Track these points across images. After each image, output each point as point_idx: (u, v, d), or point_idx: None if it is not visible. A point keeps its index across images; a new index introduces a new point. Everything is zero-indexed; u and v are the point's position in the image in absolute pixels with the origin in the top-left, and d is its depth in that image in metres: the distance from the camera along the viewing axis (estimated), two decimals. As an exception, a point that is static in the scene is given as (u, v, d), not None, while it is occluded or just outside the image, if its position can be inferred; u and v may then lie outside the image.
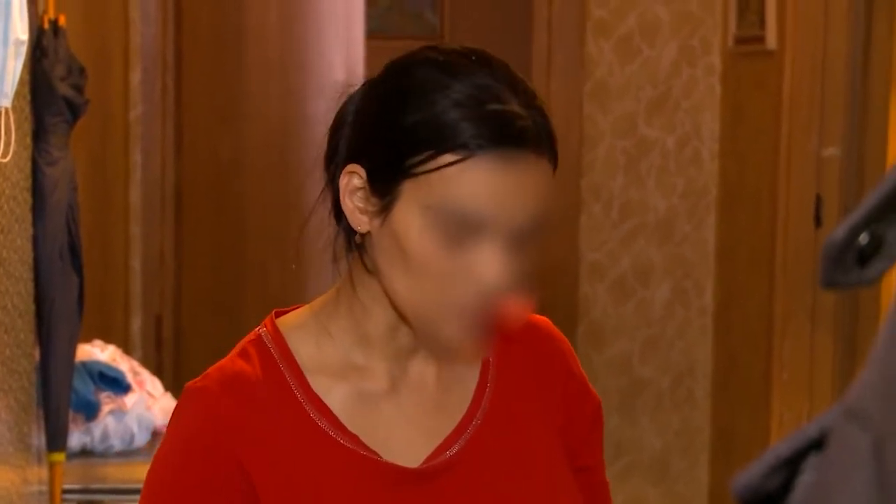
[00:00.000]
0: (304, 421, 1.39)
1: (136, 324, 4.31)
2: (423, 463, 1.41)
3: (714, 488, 4.38)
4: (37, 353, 3.02)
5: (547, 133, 1.33)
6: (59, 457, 3.04)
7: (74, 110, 3.07)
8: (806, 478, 0.60)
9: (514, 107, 1.31)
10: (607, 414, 4.40)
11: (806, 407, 3.71)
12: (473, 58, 1.34)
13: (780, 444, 0.60)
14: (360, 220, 1.36)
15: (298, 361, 1.41)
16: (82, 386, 3.22)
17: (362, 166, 1.35)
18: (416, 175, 1.30)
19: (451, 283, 1.32)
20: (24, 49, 2.60)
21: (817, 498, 0.58)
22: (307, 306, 1.46)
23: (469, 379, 1.47)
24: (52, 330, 2.99)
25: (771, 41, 3.84)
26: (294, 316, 1.45)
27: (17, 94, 2.73)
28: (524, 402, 1.49)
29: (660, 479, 4.41)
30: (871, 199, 0.61)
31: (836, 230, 0.61)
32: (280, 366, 1.40)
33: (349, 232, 1.39)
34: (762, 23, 3.89)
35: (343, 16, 4.93)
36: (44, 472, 3.05)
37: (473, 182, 1.29)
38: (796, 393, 3.73)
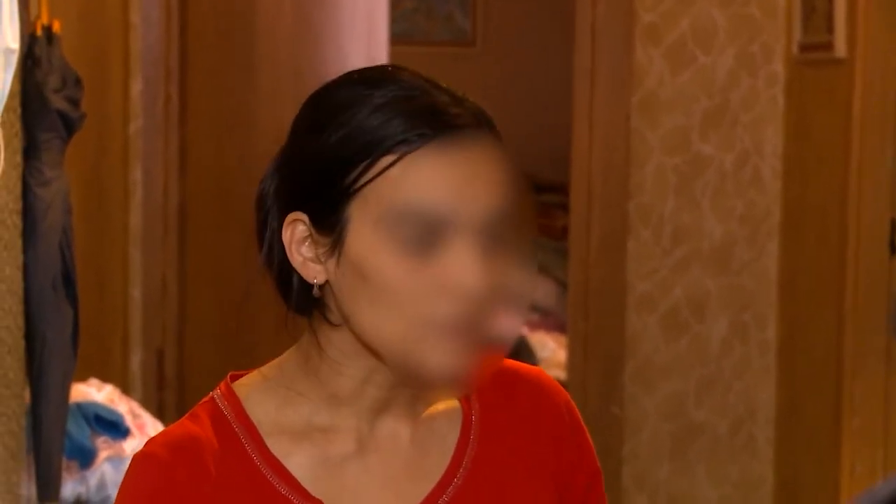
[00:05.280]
0: (261, 486, 1.40)
1: (136, 360, 4.33)
2: None
3: (777, 546, 4.37)
4: (27, 394, 3.04)
5: (485, 118, 1.37)
6: (51, 508, 3.06)
7: (69, 125, 3.10)
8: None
9: (444, 98, 1.36)
10: (658, 462, 4.41)
11: (880, 456, 3.69)
12: (390, 69, 1.39)
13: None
14: (314, 270, 1.38)
15: (255, 423, 1.43)
16: (77, 430, 3.23)
17: (302, 210, 1.38)
18: (357, 191, 1.33)
19: (424, 300, 1.33)
20: (14, 58, 2.63)
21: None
22: (264, 367, 1.48)
23: (448, 437, 1.47)
24: (43, 368, 3.01)
25: (840, 48, 3.84)
26: (251, 377, 1.47)
27: (7, 108, 2.75)
28: (511, 462, 1.49)
29: (716, 535, 4.41)
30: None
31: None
32: (234, 428, 1.43)
33: (305, 291, 1.40)
34: (830, 27, 3.90)
35: (365, 17, 4.94)
36: (34, 526, 3.07)
37: (418, 177, 1.32)
38: (869, 441, 3.72)
